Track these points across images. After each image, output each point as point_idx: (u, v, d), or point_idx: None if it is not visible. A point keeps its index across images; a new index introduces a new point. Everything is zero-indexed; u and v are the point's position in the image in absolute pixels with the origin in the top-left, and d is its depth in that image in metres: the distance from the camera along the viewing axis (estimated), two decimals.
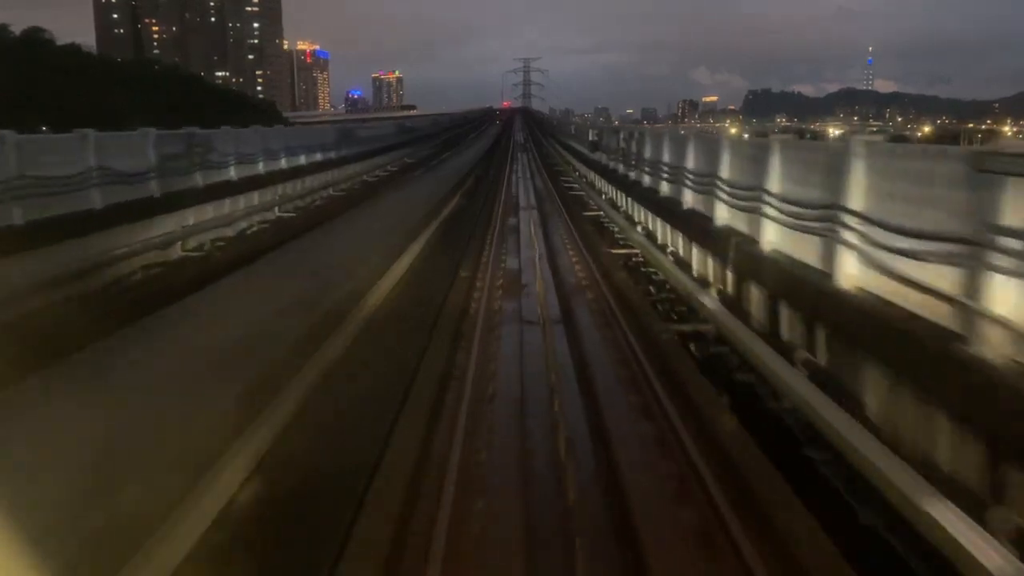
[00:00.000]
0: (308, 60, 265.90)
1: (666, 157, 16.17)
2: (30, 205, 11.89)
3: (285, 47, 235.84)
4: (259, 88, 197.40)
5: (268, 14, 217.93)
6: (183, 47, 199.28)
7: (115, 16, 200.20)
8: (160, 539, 4.73)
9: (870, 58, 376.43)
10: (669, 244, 15.10)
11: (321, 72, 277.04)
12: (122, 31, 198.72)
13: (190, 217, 16.70)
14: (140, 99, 54.77)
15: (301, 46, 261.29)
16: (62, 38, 65.27)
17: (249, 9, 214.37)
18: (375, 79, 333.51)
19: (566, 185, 33.11)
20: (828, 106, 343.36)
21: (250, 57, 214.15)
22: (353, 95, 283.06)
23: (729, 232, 10.61)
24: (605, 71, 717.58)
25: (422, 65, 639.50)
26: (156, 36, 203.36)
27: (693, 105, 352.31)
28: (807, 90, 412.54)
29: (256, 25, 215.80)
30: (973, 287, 5.03)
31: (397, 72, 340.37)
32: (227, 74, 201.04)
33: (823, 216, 7.48)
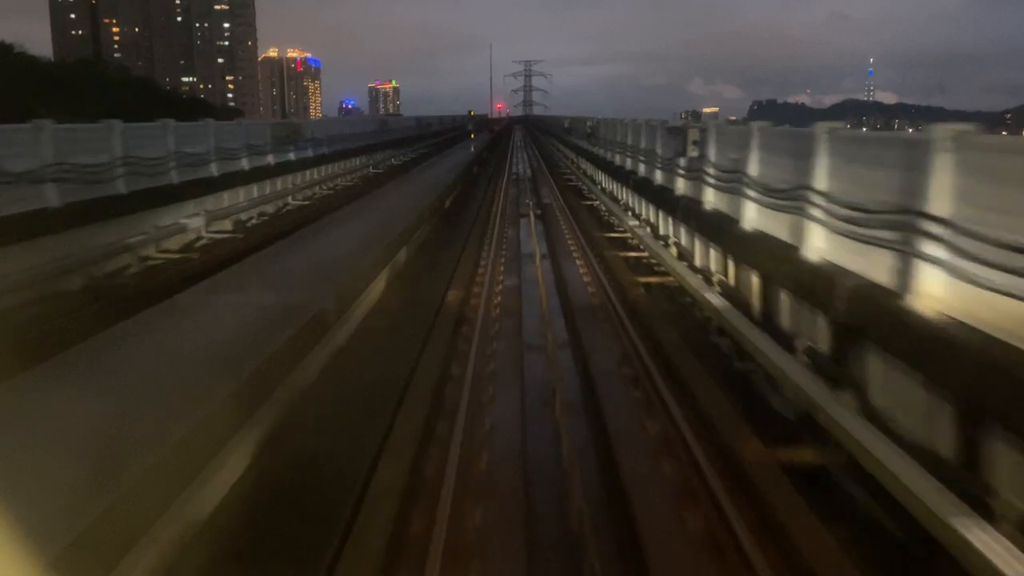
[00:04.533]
0: (299, 68, 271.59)
1: None
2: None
3: (275, 54, 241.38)
4: (230, 95, 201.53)
5: (240, 14, 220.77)
6: (147, 49, 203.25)
7: (72, 16, 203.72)
8: None
9: (871, 69, 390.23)
10: None
11: (313, 81, 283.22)
12: (80, 32, 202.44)
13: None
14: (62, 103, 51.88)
15: (292, 54, 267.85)
16: (20, 44, 67.85)
17: (219, 7, 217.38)
18: (371, 89, 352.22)
19: None
20: (833, 117, 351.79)
21: (220, 61, 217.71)
22: (347, 104, 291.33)
23: None
24: (600, 83, 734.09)
25: (420, 76, 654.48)
26: (117, 38, 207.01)
27: (696, 116, 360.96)
28: (806, 100, 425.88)
29: (227, 26, 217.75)
30: None
31: (394, 82, 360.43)
32: (195, 79, 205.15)
33: None
